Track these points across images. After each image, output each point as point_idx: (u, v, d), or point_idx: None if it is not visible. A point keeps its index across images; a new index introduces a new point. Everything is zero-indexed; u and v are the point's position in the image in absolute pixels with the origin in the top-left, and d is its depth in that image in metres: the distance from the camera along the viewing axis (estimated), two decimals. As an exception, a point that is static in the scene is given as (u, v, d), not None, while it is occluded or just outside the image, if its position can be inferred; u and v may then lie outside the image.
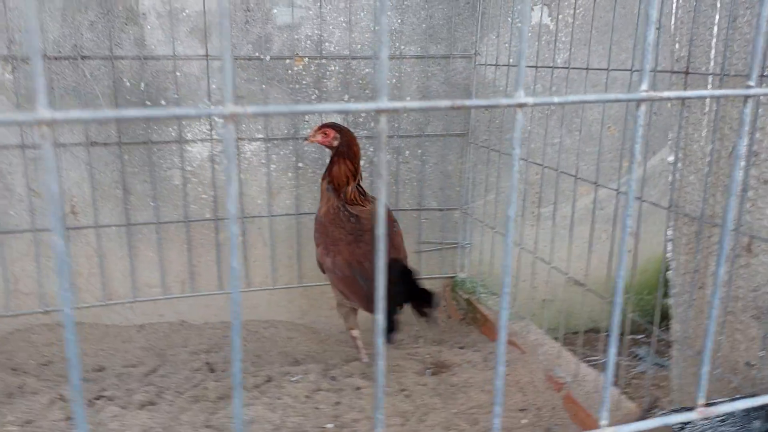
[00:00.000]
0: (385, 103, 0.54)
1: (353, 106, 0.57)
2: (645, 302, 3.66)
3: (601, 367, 2.49)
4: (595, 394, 2.13)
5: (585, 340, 3.42)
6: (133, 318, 2.93)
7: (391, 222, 2.49)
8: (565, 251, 2.54)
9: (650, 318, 2.00)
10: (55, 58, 2.59)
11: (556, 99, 0.65)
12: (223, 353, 2.71)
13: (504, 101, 0.62)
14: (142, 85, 2.69)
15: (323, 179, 2.47)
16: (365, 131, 2.96)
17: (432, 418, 2.15)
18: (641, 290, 3.60)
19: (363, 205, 2.44)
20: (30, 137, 2.63)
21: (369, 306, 2.28)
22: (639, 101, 0.66)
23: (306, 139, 2.49)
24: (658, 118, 3.31)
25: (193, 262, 2.93)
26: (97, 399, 2.26)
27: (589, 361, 2.45)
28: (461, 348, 2.70)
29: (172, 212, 2.85)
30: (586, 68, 2.26)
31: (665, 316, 3.79)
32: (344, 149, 2.39)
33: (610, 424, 0.68)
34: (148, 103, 2.71)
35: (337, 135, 2.39)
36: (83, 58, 2.61)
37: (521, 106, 0.60)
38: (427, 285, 2.27)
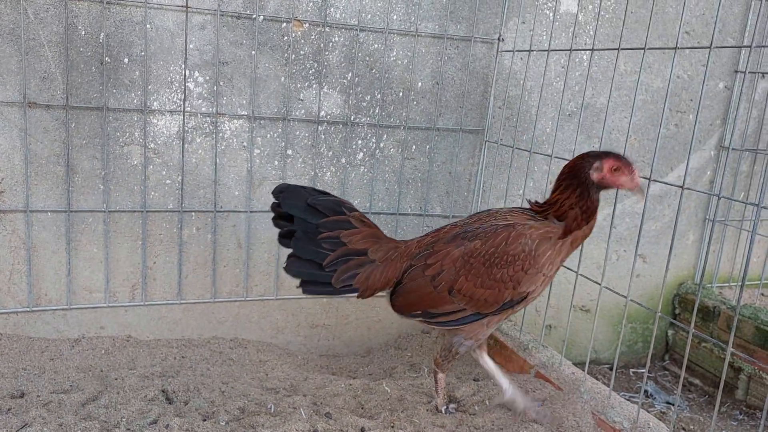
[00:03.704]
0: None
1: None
2: (650, 332, 3.33)
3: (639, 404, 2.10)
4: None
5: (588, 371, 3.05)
6: (66, 330, 2.33)
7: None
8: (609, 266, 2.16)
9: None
10: (-12, -10, 2.01)
11: None
12: (183, 378, 2.15)
13: None
14: (102, 35, 2.14)
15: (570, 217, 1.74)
16: (367, 118, 2.50)
17: (464, 472, 1.70)
18: (647, 319, 3.28)
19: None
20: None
21: None
22: None
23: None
24: (679, 131, 3.02)
25: (147, 263, 2.36)
26: (16, 438, 1.67)
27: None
28: (476, 380, 2.25)
29: (126, 199, 2.29)
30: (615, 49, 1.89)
31: (667, 348, 3.50)
32: None
33: None
34: (107, 59, 2.16)
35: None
36: (26, -7, 2.04)
37: None
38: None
